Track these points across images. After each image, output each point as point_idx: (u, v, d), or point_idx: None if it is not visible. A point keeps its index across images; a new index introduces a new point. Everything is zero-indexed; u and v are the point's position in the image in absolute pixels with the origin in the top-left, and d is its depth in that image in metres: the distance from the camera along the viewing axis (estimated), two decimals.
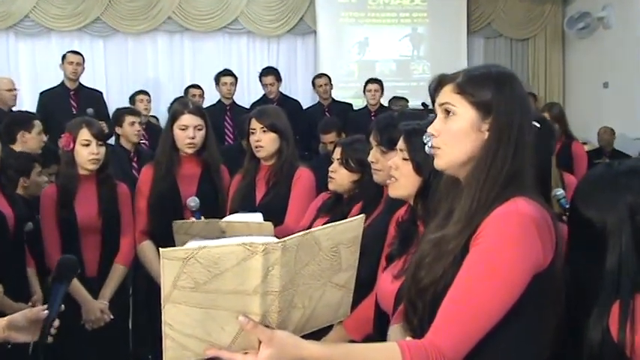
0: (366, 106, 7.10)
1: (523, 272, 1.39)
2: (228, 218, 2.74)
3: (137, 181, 3.49)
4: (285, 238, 1.36)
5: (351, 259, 1.56)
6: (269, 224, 2.60)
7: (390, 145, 2.31)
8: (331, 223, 2.77)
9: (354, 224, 1.55)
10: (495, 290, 1.38)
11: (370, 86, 7.02)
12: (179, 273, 1.32)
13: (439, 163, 1.55)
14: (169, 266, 1.32)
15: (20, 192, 3.58)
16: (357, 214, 2.50)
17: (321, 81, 7.19)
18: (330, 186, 2.83)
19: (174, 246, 2.71)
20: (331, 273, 1.52)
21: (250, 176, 3.23)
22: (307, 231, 1.43)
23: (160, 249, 1.32)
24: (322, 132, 5.55)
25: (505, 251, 1.38)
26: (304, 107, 7.20)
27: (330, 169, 2.82)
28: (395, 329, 1.75)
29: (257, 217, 2.71)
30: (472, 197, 1.46)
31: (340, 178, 2.78)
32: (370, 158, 2.40)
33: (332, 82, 7.24)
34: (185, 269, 1.32)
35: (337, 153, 2.82)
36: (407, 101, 7.26)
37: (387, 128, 2.36)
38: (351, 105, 7.46)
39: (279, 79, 6.87)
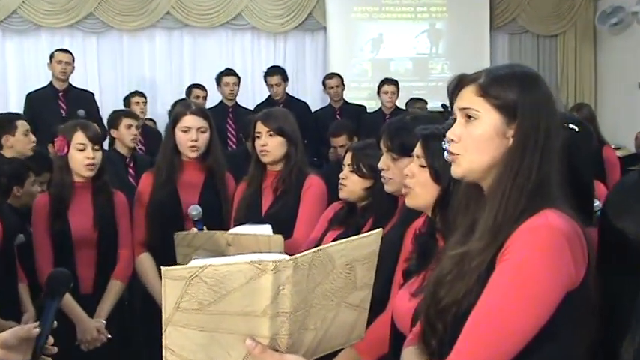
0: (381, 109, 7.11)
1: (554, 290, 1.39)
2: (235, 230, 2.76)
3: (134, 189, 3.52)
4: (297, 255, 1.37)
5: (366, 277, 1.56)
6: (279, 237, 2.61)
7: (402, 152, 2.32)
8: (344, 236, 2.78)
9: (370, 239, 1.55)
10: (525, 310, 1.38)
11: (386, 87, 7.02)
12: (182, 293, 1.32)
13: (456, 171, 1.55)
14: (171, 286, 1.31)
15: (12, 202, 3.58)
16: (373, 227, 2.54)
17: (332, 82, 7.19)
18: (341, 194, 2.84)
19: (175, 259, 2.77)
20: (346, 292, 1.52)
21: (256, 184, 3.25)
22: (320, 247, 1.43)
23: (162, 267, 1.32)
24: (333, 135, 5.56)
25: (535, 268, 1.38)
26: (313, 110, 7.22)
27: (341, 175, 2.83)
28: (410, 352, 1.74)
29: (266, 229, 2.73)
30: (497, 209, 1.46)
31: (352, 185, 2.79)
32: (380, 165, 2.40)
33: (344, 83, 7.25)
34: (189, 289, 1.31)
35: (348, 158, 2.82)
36: (426, 103, 7.26)
37: (398, 133, 2.36)
38: (364, 107, 7.48)
39: (285, 78, 6.88)
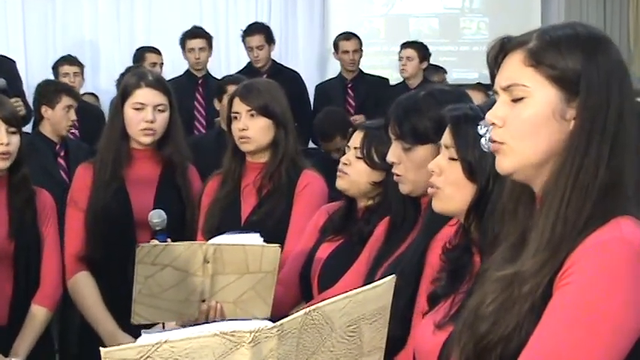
0: (404, 81, 7.12)
1: (631, 328, 1.39)
2: (217, 240, 2.75)
3: (65, 185, 3.50)
4: (283, 321, 1.37)
5: (376, 339, 1.57)
6: (274, 249, 2.62)
7: (415, 138, 2.33)
8: (346, 248, 2.76)
9: (379, 291, 1.56)
10: (591, 350, 1.38)
11: (404, 52, 7.05)
12: None
13: (503, 165, 1.55)
14: None
15: None
16: (388, 239, 2.53)
17: (348, 44, 7.19)
18: (340, 183, 2.84)
19: (125, 281, 2.74)
20: None
21: (233, 181, 3.25)
22: (313, 307, 1.43)
23: (101, 350, 1.30)
24: (322, 139, 5.56)
25: (605, 297, 1.38)
26: (311, 82, 7.31)
27: (343, 159, 2.83)
28: None
29: (254, 238, 2.73)
30: (555, 217, 1.46)
31: (356, 174, 2.78)
32: (390, 158, 2.39)
33: (362, 48, 7.24)
34: None
35: (356, 139, 2.82)
36: (445, 72, 7.28)
37: (408, 114, 2.36)
38: (386, 80, 7.48)
39: (270, 40, 6.91)
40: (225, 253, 2.64)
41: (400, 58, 7.06)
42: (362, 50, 7.27)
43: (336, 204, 3.02)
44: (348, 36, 7.33)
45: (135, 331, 2.42)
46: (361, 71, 7.31)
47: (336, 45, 7.33)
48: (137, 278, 2.64)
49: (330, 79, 7.51)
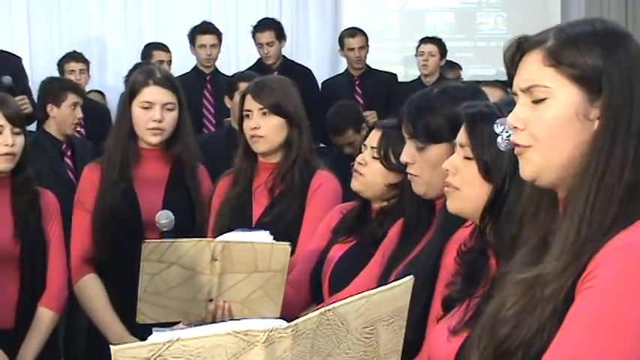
0: (419, 78, 7.11)
1: None
2: (225, 237, 2.75)
3: (72, 185, 3.51)
4: (297, 321, 1.37)
5: (393, 341, 1.57)
6: (284, 247, 2.62)
7: (429, 137, 2.32)
8: (358, 249, 2.76)
9: (397, 291, 1.55)
10: (614, 356, 1.36)
11: (424, 47, 7.05)
12: None
13: (527, 170, 1.54)
14: None
15: None
16: (402, 240, 2.54)
17: (354, 41, 7.17)
18: (355, 184, 2.84)
19: (132, 283, 2.74)
20: None
21: (245, 181, 3.25)
22: (328, 307, 1.43)
23: (112, 347, 1.30)
24: (334, 132, 5.53)
25: (630, 301, 1.36)
26: (320, 78, 7.24)
27: (359, 159, 2.82)
28: None
29: (263, 235, 2.73)
30: (579, 218, 1.45)
31: (371, 175, 2.78)
32: (404, 157, 2.40)
33: (368, 43, 7.22)
34: None
35: (373, 138, 2.81)
36: (460, 68, 7.26)
37: (422, 112, 2.36)
38: (394, 76, 7.47)
39: (281, 36, 6.90)
40: (233, 251, 2.64)
41: (420, 54, 7.04)
42: (368, 46, 7.22)
43: (350, 204, 3.01)
44: (353, 32, 7.29)
45: (144, 335, 2.43)
46: (368, 67, 7.27)
47: (341, 42, 7.29)
48: (142, 276, 2.64)
49: (337, 75, 7.48)
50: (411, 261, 2.40)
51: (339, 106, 5.99)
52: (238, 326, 1.34)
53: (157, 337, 1.35)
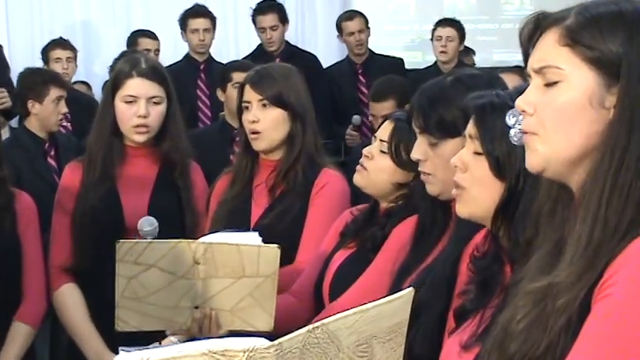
0: (435, 64, 7.12)
1: None
2: (208, 238, 2.76)
3: (57, 187, 3.51)
4: (281, 339, 1.38)
5: None
6: (273, 249, 2.61)
7: (442, 132, 2.32)
8: (356, 258, 2.75)
9: (395, 305, 1.56)
10: None
11: (440, 31, 7.03)
12: None
13: (533, 159, 1.54)
14: None
15: None
16: (412, 243, 2.52)
17: (351, 25, 7.18)
18: (357, 179, 2.83)
19: (112, 293, 2.75)
20: None
21: (243, 180, 3.26)
22: (317, 324, 1.44)
23: None
24: (374, 98, 5.53)
25: None
26: (326, 66, 7.27)
27: (365, 152, 2.82)
28: None
29: (251, 237, 2.73)
30: (593, 220, 1.45)
31: (377, 171, 2.78)
32: (415, 154, 2.39)
33: (369, 26, 7.23)
34: None
35: (385, 131, 2.80)
36: (474, 53, 7.26)
37: (434, 104, 2.35)
38: (400, 61, 7.45)
39: (284, 19, 6.91)
40: (217, 254, 2.62)
41: (438, 38, 7.03)
42: (369, 29, 7.21)
43: (364, 206, 2.98)
44: (351, 15, 7.30)
45: (129, 344, 2.46)
46: (372, 52, 7.26)
47: (339, 27, 7.27)
48: (118, 279, 2.65)
49: (338, 62, 7.46)
50: (426, 268, 2.38)
51: (388, 77, 5.96)
52: (215, 345, 1.34)
53: (124, 357, 1.35)
